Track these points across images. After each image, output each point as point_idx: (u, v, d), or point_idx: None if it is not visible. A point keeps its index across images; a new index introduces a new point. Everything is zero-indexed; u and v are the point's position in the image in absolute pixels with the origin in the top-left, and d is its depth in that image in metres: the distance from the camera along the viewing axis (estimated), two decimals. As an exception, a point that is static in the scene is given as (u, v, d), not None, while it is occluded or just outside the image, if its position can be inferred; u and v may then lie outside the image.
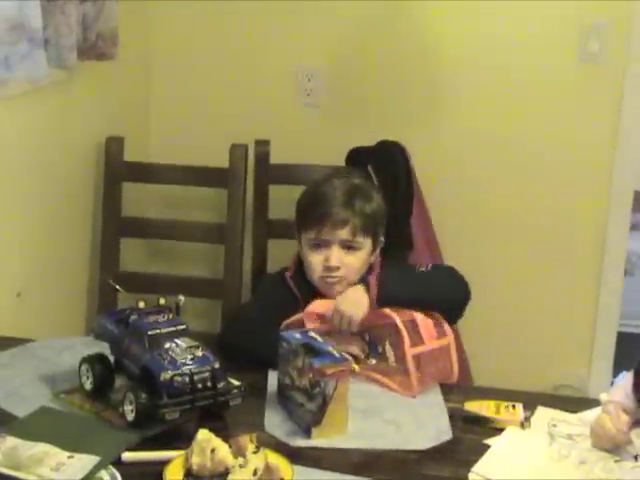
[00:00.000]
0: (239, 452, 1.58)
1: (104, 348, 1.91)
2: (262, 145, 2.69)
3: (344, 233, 2.21)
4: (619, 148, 2.95)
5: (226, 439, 1.62)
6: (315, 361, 1.78)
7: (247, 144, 2.71)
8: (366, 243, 2.24)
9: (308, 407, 1.79)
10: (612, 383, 3.35)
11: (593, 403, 1.90)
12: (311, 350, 1.83)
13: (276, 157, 2.70)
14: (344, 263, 2.21)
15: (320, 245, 2.23)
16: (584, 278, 3.06)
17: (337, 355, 1.82)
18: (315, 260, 2.23)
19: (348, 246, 2.22)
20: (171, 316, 1.86)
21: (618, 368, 3.19)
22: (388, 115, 2.89)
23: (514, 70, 2.91)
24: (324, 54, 2.94)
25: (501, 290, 3.01)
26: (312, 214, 2.24)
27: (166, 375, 1.70)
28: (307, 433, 1.78)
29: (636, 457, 1.73)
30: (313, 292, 2.25)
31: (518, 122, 2.95)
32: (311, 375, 1.77)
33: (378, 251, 2.30)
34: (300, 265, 2.30)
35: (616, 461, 1.71)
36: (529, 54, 2.89)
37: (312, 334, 1.92)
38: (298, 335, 1.91)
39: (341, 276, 2.21)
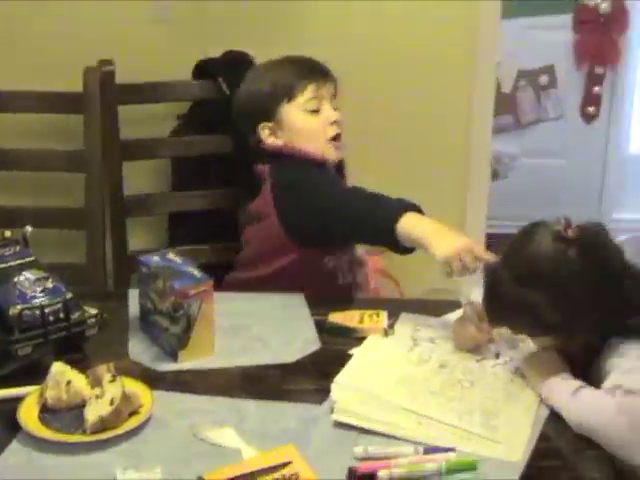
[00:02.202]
0: (96, 383, 1.55)
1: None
2: (106, 65, 2.57)
3: (332, 88, 2.16)
4: (481, 50, 2.94)
5: (84, 371, 1.58)
6: (176, 283, 1.73)
7: (102, 67, 2.59)
8: None
9: (172, 331, 1.75)
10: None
11: (459, 305, 1.92)
12: (171, 272, 1.78)
13: (123, 77, 2.59)
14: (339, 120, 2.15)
15: (318, 110, 2.12)
16: (453, 182, 3.05)
17: (198, 275, 1.77)
18: (317, 122, 2.12)
19: (334, 104, 2.16)
20: (18, 249, 1.79)
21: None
22: (237, 27, 2.78)
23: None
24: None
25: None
26: (303, 75, 2.13)
27: (15, 310, 1.64)
28: (173, 357, 1.75)
29: (497, 355, 1.75)
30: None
31: (390, 27, 2.89)
32: (173, 298, 1.73)
33: None
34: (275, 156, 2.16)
35: (477, 361, 1.74)
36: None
37: (171, 256, 1.86)
38: (157, 258, 1.85)
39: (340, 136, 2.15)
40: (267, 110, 2.14)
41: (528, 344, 1.76)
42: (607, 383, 1.52)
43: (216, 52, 2.45)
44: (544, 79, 4.58)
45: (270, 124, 2.14)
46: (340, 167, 2.28)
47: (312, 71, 2.13)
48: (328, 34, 2.84)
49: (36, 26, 2.74)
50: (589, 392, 1.54)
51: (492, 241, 3.32)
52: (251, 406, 1.58)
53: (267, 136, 2.15)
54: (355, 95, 2.86)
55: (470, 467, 1.40)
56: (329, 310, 1.91)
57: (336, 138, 2.13)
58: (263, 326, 1.89)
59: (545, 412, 1.57)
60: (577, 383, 1.56)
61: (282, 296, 2.04)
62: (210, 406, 1.58)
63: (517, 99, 4.62)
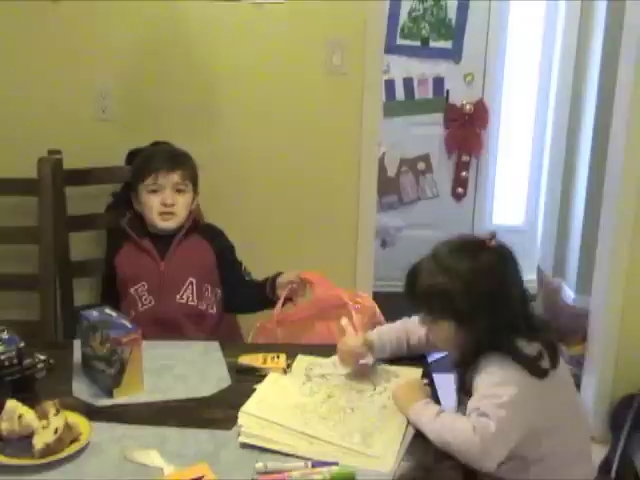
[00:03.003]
0: (43, 416, 1.57)
1: None
2: (55, 154, 2.63)
3: (175, 177, 2.32)
4: (363, 144, 3.00)
5: (34, 406, 1.59)
6: (112, 332, 1.77)
7: (54, 156, 2.63)
8: (190, 187, 2.36)
9: (108, 372, 1.78)
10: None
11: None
12: (107, 324, 1.82)
13: (68, 164, 2.64)
14: (177, 201, 2.31)
15: (157, 190, 2.31)
16: (344, 250, 3.10)
17: (130, 326, 1.81)
18: (154, 202, 2.31)
19: (178, 189, 2.33)
20: None
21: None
22: (168, 124, 2.86)
23: (273, 83, 2.90)
24: (113, 76, 2.86)
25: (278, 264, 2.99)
26: (149, 166, 2.34)
27: None
28: (109, 394, 1.77)
29: (374, 387, 1.81)
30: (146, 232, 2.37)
31: (279, 129, 2.95)
32: (109, 345, 1.76)
33: (197, 198, 2.43)
34: (135, 214, 2.38)
35: (358, 392, 1.79)
36: (284, 68, 2.89)
37: (108, 310, 1.90)
38: (96, 312, 1.88)
39: (174, 212, 2.32)
40: (133, 183, 2.38)
41: (400, 378, 1.83)
42: (470, 403, 1.60)
43: (146, 142, 2.51)
44: (422, 165, 4.64)
45: (135, 194, 2.37)
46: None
47: (160, 165, 2.33)
48: (241, 126, 2.92)
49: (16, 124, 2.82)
50: (447, 416, 1.61)
51: (380, 298, 3.42)
52: (172, 432, 1.62)
53: (134, 202, 2.39)
54: (264, 179, 2.96)
55: (349, 477, 1.47)
56: (238, 353, 1.95)
57: (167, 213, 2.32)
58: (184, 367, 1.92)
59: (412, 431, 1.63)
60: (437, 408, 1.63)
61: (200, 343, 2.08)
62: (138, 433, 1.62)
63: (400, 182, 4.66)
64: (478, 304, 1.64)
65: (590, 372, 3.11)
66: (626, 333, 2.97)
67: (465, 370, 1.70)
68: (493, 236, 1.70)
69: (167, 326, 2.27)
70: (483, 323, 1.64)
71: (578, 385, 3.13)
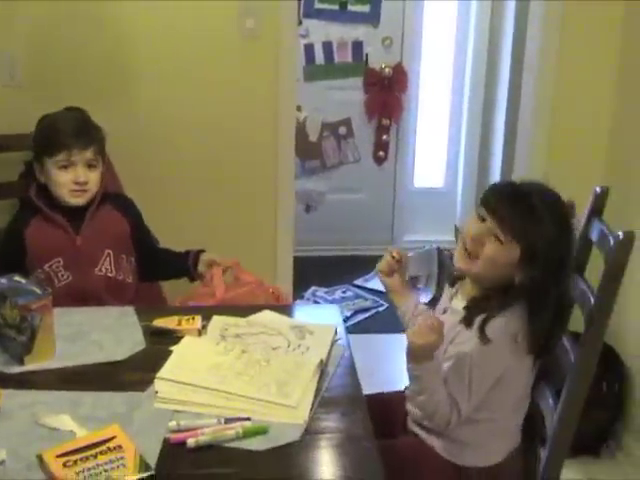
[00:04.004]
0: (-51, 386, 1.52)
1: None
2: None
3: (88, 154, 2.24)
4: (280, 109, 2.98)
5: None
6: (20, 299, 1.73)
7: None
8: (100, 161, 2.29)
9: (19, 340, 1.74)
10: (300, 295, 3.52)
11: (262, 309, 2.01)
12: (17, 291, 1.77)
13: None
14: (89, 178, 2.25)
15: (67, 166, 2.22)
16: (264, 216, 3.09)
17: (40, 292, 1.77)
18: (65, 178, 2.23)
19: (89, 165, 2.25)
20: None
21: (299, 285, 3.37)
22: (80, 89, 2.78)
23: (188, 50, 2.85)
24: (21, 41, 2.77)
25: (198, 235, 2.87)
26: (58, 141, 2.22)
27: None
28: (20, 361, 1.74)
29: (289, 344, 1.82)
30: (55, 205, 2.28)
31: (193, 94, 2.90)
32: (17, 311, 1.72)
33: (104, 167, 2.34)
34: (40, 185, 2.29)
35: (273, 348, 1.80)
36: (198, 35, 2.84)
37: (17, 278, 1.84)
38: (4, 280, 1.82)
39: (87, 189, 2.25)
40: (38, 154, 2.28)
41: (314, 335, 1.84)
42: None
43: (58, 108, 2.44)
44: (343, 130, 4.67)
45: (39, 166, 2.27)
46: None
47: (73, 141, 2.23)
48: (156, 91, 2.87)
49: None
50: (446, 397, 1.69)
51: (303, 262, 3.45)
52: (85, 397, 1.60)
53: (38, 173, 2.28)
54: (179, 145, 2.92)
55: (262, 430, 1.47)
56: (154, 317, 1.92)
57: (79, 189, 2.25)
58: (98, 333, 1.89)
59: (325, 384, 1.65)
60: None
61: (114, 308, 2.06)
62: (50, 398, 1.59)
63: (322, 147, 4.68)
64: (550, 256, 1.64)
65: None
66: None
67: (477, 306, 1.72)
68: (573, 206, 1.71)
69: (87, 300, 2.21)
70: (538, 275, 1.65)
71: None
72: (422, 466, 1.77)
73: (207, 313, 1.95)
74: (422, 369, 1.67)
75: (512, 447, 1.80)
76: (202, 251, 2.38)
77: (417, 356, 1.66)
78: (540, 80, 2.99)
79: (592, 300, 1.65)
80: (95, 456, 1.35)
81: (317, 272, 4.40)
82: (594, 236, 1.79)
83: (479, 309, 1.72)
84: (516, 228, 1.65)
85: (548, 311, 1.66)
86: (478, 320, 1.70)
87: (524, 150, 3.12)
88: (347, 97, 4.60)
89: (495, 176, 4.30)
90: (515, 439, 1.82)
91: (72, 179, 2.23)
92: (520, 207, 1.66)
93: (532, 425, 1.83)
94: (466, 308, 1.75)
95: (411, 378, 1.71)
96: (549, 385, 1.79)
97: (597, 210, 1.85)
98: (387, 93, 4.59)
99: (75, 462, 1.34)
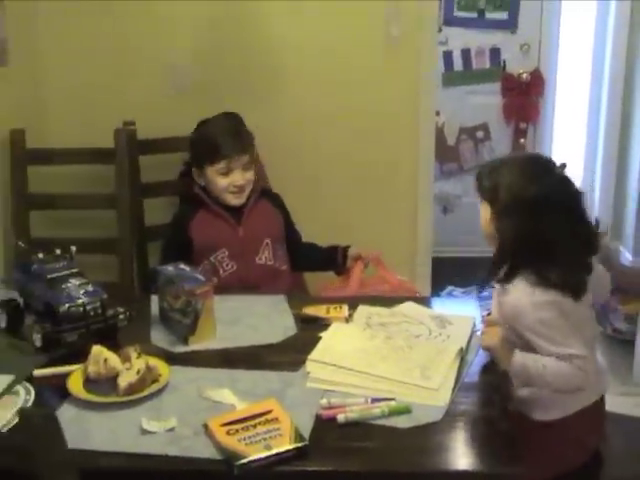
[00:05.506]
0: (126, 359, 1.65)
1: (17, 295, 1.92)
2: (129, 125, 2.73)
3: (244, 159, 2.40)
4: (421, 113, 3.03)
5: (117, 351, 1.67)
6: (186, 285, 1.85)
7: (129, 127, 2.74)
8: (253, 163, 2.46)
9: (184, 322, 1.86)
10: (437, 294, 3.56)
11: (404, 300, 2.05)
12: (182, 277, 1.90)
13: (142, 134, 2.74)
14: (246, 179, 2.40)
15: (227, 172, 2.38)
16: (404, 217, 3.14)
17: (202, 279, 1.88)
18: (225, 183, 2.39)
19: (246, 167, 2.41)
20: (66, 263, 1.89)
21: (435, 285, 3.38)
22: (235, 95, 2.91)
23: (335, 55, 2.94)
24: (186, 52, 2.95)
25: (339, 233, 2.89)
26: (219, 152, 2.38)
27: (63, 307, 1.74)
28: (185, 342, 1.85)
29: (430, 332, 1.86)
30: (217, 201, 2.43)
31: (338, 98, 2.98)
32: (183, 296, 1.84)
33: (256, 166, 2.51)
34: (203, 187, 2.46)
35: (415, 336, 1.84)
36: (345, 40, 2.93)
37: (182, 266, 1.97)
38: (171, 268, 1.96)
39: (244, 190, 2.42)
40: (198, 162, 2.45)
41: (454, 325, 1.87)
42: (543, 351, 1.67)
43: (214, 113, 2.59)
44: (480, 134, 4.65)
45: (198, 171, 2.44)
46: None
47: (231, 150, 2.38)
48: (302, 95, 2.97)
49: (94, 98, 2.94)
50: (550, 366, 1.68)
51: (441, 263, 3.44)
52: (243, 374, 1.70)
53: (196, 176, 2.44)
54: (323, 147, 3.01)
55: (405, 410, 1.52)
56: (303, 304, 2.02)
57: (238, 191, 2.41)
58: (254, 318, 2.00)
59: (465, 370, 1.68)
60: (539, 358, 1.69)
61: (267, 296, 2.16)
62: (212, 375, 1.69)
63: (460, 150, 4.68)
64: (517, 203, 1.71)
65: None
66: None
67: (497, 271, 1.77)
68: (564, 166, 1.77)
69: (246, 288, 2.33)
70: (515, 224, 1.71)
71: (632, 341, 3.13)
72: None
73: (353, 303, 2.02)
74: (515, 364, 1.69)
75: None
76: (348, 247, 2.46)
77: (501, 357, 1.72)
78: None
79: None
80: (254, 426, 1.44)
81: (453, 272, 4.38)
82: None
83: (495, 264, 1.77)
84: (482, 187, 1.80)
85: (550, 256, 1.70)
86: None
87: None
88: (484, 102, 4.59)
89: (634, 178, 4.16)
90: None
91: (231, 182, 2.38)
92: (488, 169, 1.81)
93: None
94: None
95: (517, 376, 1.73)
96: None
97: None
98: (524, 97, 4.55)
99: (237, 431, 1.43)
